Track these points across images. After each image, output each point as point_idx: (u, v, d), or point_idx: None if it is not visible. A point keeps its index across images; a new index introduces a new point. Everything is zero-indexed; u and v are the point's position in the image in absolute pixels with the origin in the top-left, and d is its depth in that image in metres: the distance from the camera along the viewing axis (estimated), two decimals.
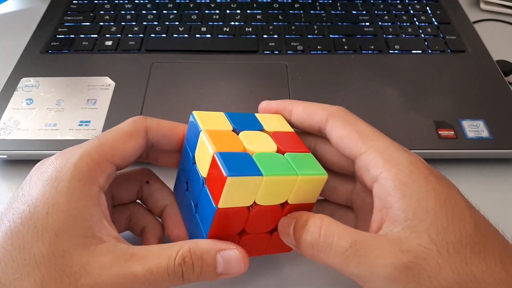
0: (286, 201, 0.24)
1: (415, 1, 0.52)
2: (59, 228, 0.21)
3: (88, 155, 0.24)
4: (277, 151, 0.25)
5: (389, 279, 0.20)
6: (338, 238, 0.21)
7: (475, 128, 0.37)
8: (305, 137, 0.28)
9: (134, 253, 0.22)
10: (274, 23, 0.49)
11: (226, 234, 0.24)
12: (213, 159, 0.23)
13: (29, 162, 0.36)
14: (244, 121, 0.26)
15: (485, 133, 0.36)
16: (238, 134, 0.25)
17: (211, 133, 0.24)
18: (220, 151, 0.23)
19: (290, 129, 0.27)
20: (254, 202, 0.23)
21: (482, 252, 0.20)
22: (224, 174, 0.21)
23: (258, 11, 0.50)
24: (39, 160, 0.36)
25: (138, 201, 0.30)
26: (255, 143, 0.24)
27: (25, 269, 0.20)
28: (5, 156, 0.36)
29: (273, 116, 0.28)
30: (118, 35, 0.47)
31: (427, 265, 0.20)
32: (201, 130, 0.24)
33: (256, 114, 0.27)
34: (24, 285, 0.20)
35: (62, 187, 0.22)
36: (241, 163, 0.22)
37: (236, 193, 0.22)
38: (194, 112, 0.26)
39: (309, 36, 0.47)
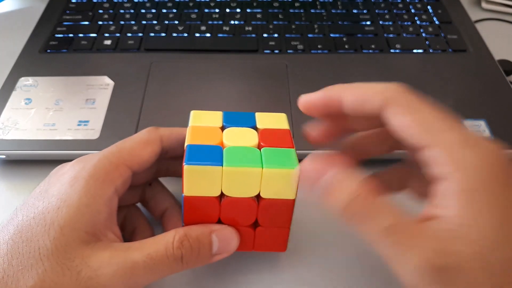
0: (260, 195, 0.24)
1: (416, 0, 0.52)
2: (65, 223, 0.22)
3: (107, 158, 0.25)
4: (258, 146, 0.25)
5: (419, 273, 0.19)
6: (381, 215, 0.20)
7: (476, 128, 0.36)
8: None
9: (130, 246, 0.23)
10: (274, 22, 0.48)
11: (202, 223, 0.25)
12: (184, 151, 0.24)
13: (27, 162, 0.36)
14: (239, 119, 0.27)
15: (486, 134, 0.36)
16: None
17: (194, 129, 0.26)
18: (193, 143, 0.24)
19: (285, 127, 0.26)
20: (223, 194, 0.24)
21: None
22: (184, 162, 0.23)
23: (258, 10, 0.50)
24: (37, 160, 0.36)
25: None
26: (236, 138, 0.25)
27: (29, 261, 0.21)
28: (4, 156, 0.35)
29: (276, 115, 0.28)
30: (117, 34, 0.46)
31: (466, 276, 0.19)
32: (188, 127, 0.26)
33: (256, 113, 0.27)
34: (26, 276, 0.21)
35: (78, 185, 0.23)
36: (206, 154, 0.24)
37: (198, 182, 0.24)
38: (192, 112, 0.27)
39: (309, 35, 0.47)
